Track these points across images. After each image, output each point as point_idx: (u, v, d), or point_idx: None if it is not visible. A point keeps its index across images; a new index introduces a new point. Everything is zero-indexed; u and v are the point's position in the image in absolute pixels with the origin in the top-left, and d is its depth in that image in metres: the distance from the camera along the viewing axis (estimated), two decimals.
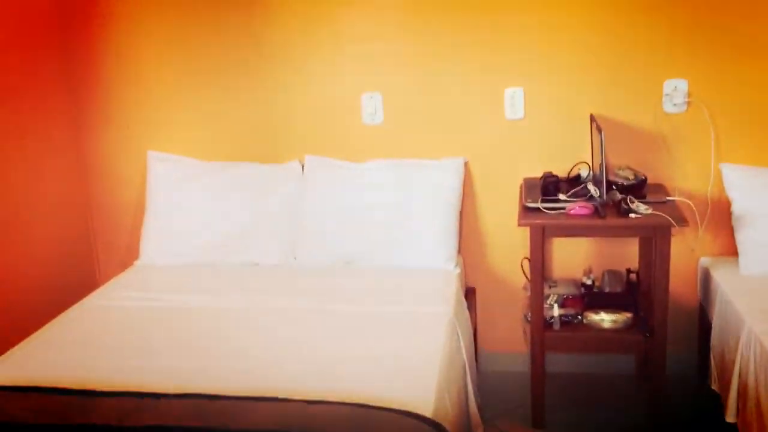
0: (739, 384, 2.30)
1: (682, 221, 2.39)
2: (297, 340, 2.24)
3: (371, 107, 2.96)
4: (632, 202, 2.49)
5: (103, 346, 2.26)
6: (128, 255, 3.08)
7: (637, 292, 2.81)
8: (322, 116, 3.00)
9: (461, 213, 2.94)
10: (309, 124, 3.02)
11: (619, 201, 2.50)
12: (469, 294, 3.02)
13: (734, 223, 2.71)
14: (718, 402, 2.52)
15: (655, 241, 2.46)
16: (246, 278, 2.78)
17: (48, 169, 3.02)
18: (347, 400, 1.81)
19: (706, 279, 2.76)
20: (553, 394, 2.92)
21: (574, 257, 2.97)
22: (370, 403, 1.79)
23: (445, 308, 2.44)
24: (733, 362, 2.33)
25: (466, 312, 2.69)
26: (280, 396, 1.85)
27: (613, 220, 2.44)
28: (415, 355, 2.12)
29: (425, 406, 1.82)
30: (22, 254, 2.85)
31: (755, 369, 2.18)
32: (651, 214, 2.44)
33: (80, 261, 3.22)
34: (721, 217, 2.82)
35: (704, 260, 2.84)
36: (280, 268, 2.86)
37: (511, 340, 3.07)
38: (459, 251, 2.99)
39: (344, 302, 2.51)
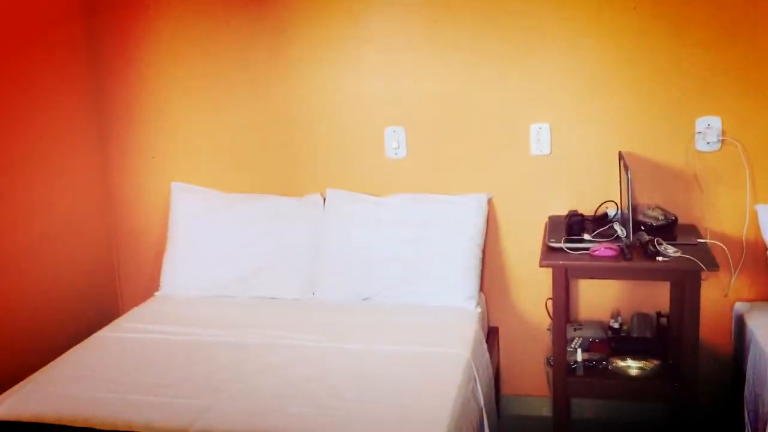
0: None
1: (712, 265, 2.28)
2: (309, 381, 2.18)
3: (394, 141, 2.92)
4: (660, 244, 2.39)
5: (113, 380, 2.24)
6: (150, 286, 3.07)
7: (667, 338, 2.68)
8: (344, 150, 2.97)
9: (484, 251, 2.87)
10: (331, 157, 2.99)
11: (647, 242, 2.40)
12: (492, 334, 2.93)
13: None
14: None
15: (684, 286, 2.35)
16: (264, 313, 2.75)
17: (72, 197, 3.04)
18: None
19: (741, 326, 2.63)
20: None
21: (602, 299, 2.87)
22: None
23: (462, 349, 2.36)
24: (767, 417, 2.19)
25: (486, 354, 2.61)
26: None
27: (639, 263, 2.34)
28: (427, 400, 2.05)
29: None
30: (44, 282, 2.87)
31: None
32: (680, 257, 2.33)
33: (102, 291, 3.23)
34: (757, 261, 2.69)
35: (739, 306, 2.71)
36: (298, 303, 2.82)
37: (534, 384, 2.96)
38: (482, 290, 2.91)
39: (359, 341, 2.45)
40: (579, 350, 2.52)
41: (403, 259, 2.78)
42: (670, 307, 2.78)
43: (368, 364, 2.28)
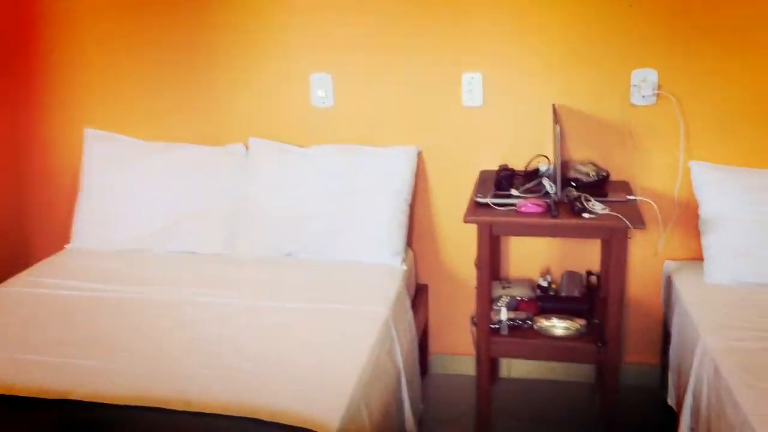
0: (693, 405, 2.12)
1: (639, 223, 2.20)
2: (218, 340, 2.06)
3: (321, 89, 2.77)
4: (588, 201, 2.30)
5: (6, 338, 2.09)
6: (61, 238, 2.90)
7: (595, 297, 2.62)
8: (268, 97, 2.81)
9: (413, 206, 2.76)
10: (255, 105, 2.83)
11: (575, 199, 2.32)
12: (420, 292, 2.85)
13: (701, 226, 2.52)
14: (675, 419, 2.35)
15: (611, 244, 2.27)
16: (180, 269, 2.61)
17: None
18: (244, 412, 1.64)
19: (669, 286, 2.58)
20: (506, 398, 2.76)
21: (534, 256, 2.79)
22: (266, 417, 1.62)
23: (381, 307, 2.26)
24: (687, 380, 2.14)
25: (410, 312, 2.51)
26: (175, 404, 1.69)
27: (565, 220, 2.25)
28: (336, 360, 1.95)
29: (330, 421, 1.65)
30: None
31: (708, 391, 2.00)
32: (607, 214, 2.25)
33: (11, 242, 3.05)
34: (688, 220, 2.63)
35: (668, 265, 2.65)
36: (217, 259, 2.69)
37: (463, 342, 2.89)
38: (410, 246, 2.81)
39: (276, 298, 2.33)
40: (504, 309, 2.44)
41: (328, 213, 2.66)
42: (601, 266, 2.72)
43: (282, 323, 2.17)
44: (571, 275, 2.71)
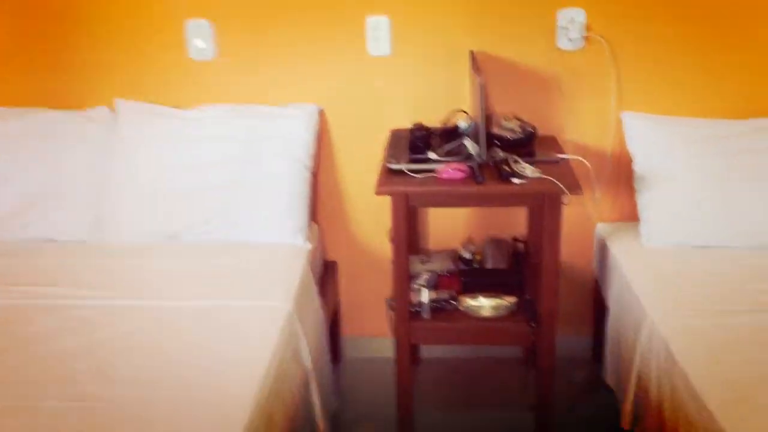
0: (638, 388, 1.89)
1: (575, 188, 1.92)
2: (73, 358, 1.65)
3: (200, 39, 2.34)
4: (516, 163, 2.00)
5: None
6: None
7: (524, 266, 2.35)
8: (137, 49, 2.36)
9: (316, 174, 2.40)
10: (121, 59, 2.37)
11: (501, 161, 2.01)
12: (329, 270, 2.51)
13: (636, 183, 2.27)
14: (613, 397, 2.12)
15: (543, 212, 1.98)
16: (33, 262, 2.16)
17: None
18: None
19: (603, 251, 2.33)
20: (429, 381, 2.48)
21: (454, 223, 2.49)
22: None
23: (283, 301, 1.91)
24: (631, 360, 1.91)
25: (317, 299, 2.17)
26: None
27: (492, 187, 1.94)
28: (231, 380, 1.58)
29: None
30: None
31: (659, 375, 1.76)
32: (539, 178, 1.95)
33: None
34: (621, 176, 2.39)
35: (601, 228, 2.41)
36: (82, 248, 2.25)
37: (379, 323, 2.57)
38: (315, 220, 2.46)
39: (153, 296, 1.94)
40: (425, 291, 2.13)
41: (216, 186, 2.26)
42: (528, 231, 2.45)
43: (158, 330, 1.77)
44: (495, 243, 2.43)
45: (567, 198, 1.93)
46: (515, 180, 1.94)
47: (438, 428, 2.28)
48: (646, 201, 2.23)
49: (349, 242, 2.53)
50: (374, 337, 2.60)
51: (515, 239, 2.45)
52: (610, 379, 2.17)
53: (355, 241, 2.52)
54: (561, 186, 1.90)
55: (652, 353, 1.79)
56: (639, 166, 2.26)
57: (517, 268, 2.32)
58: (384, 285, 2.52)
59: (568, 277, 2.48)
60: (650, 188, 2.22)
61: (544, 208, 1.97)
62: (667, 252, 2.15)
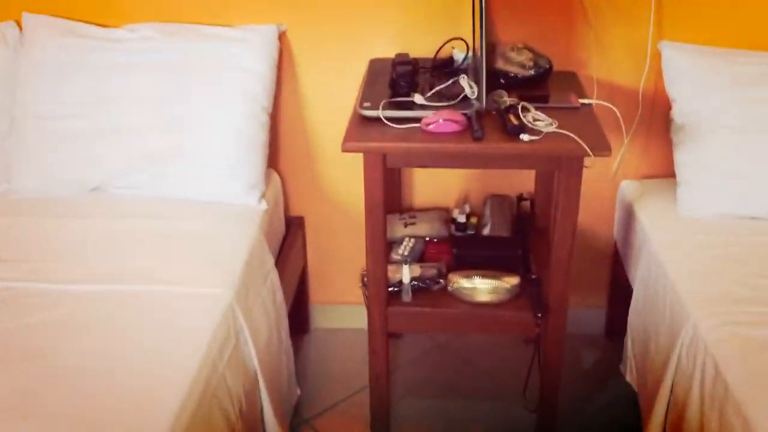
0: (672, 403, 1.49)
1: (602, 148, 1.47)
2: None
3: None
4: (526, 112, 1.54)
5: None
6: None
7: (529, 232, 1.93)
8: None
9: (276, 115, 1.94)
10: None
11: (506, 110, 1.55)
12: (294, 228, 2.08)
13: (674, 134, 1.82)
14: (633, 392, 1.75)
15: (558, 177, 1.54)
16: None
17: None
18: None
19: (628, 216, 1.90)
20: (409, 361, 2.11)
21: (447, 176, 2.05)
22: None
23: (222, 288, 1.49)
24: (664, 367, 1.51)
25: (273, 274, 1.75)
26: None
27: (494, 145, 1.48)
28: (147, 400, 1.18)
29: None
30: None
31: (701, 396, 1.36)
32: (554, 133, 1.50)
33: None
34: (654, 122, 1.93)
35: (627, 187, 1.96)
36: None
37: (353, 287, 2.17)
38: (276, 168, 2.02)
39: (61, 274, 1.52)
40: (406, 268, 1.71)
41: (146, 127, 1.80)
42: (536, 188, 2.01)
43: (65, 325, 1.36)
44: (497, 203, 1.99)
45: (591, 161, 1.49)
46: (524, 136, 1.49)
47: (418, 419, 1.91)
48: (686, 158, 1.78)
49: (319, 194, 2.09)
50: (348, 305, 2.20)
51: (521, 197, 2.01)
52: (631, 377, 1.78)
53: (326, 193, 2.09)
54: (584, 146, 1.45)
55: (694, 368, 1.39)
56: (679, 112, 1.80)
57: (522, 236, 1.89)
58: (357, 245, 2.10)
59: (582, 241, 2.06)
60: (693, 141, 1.76)
61: (561, 172, 1.52)
62: (710, 224, 1.72)
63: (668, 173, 1.92)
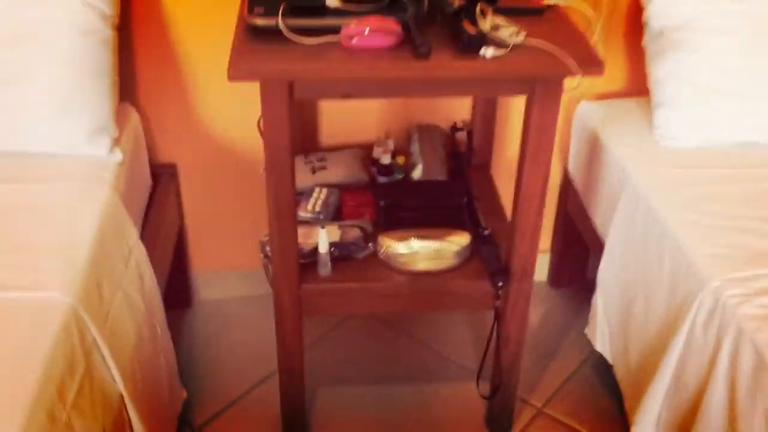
0: (675, 392, 1.17)
1: (593, 63, 1.07)
2: None
3: None
4: (483, 16, 1.11)
5: None
6: None
7: (469, 172, 1.53)
8: None
9: (126, 27, 1.41)
10: None
11: (457, 13, 1.11)
12: (164, 179, 1.58)
13: (648, 43, 1.45)
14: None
15: (530, 105, 1.13)
16: None
17: None
18: None
19: (590, 147, 1.53)
20: (332, 335, 1.69)
21: (362, 104, 1.60)
22: None
23: (58, 289, 1.01)
24: (663, 344, 1.18)
25: (137, 254, 1.27)
26: None
27: (446, 65, 1.05)
28: None
29: None
30: None
31: (731, 386, 1.04)
32: (524, 47, 1.08)
33: None
34: (616, 28, 1.55)
35: (585, 108, 1.59)
36: None
37: (245, 249, 1.72)
38: (134, 103, 1.50)
39: None
40: (323, 233, 1.27)
41: None
42: (473, 117, 1.60)
43: None
44: (426, 134, 1.58)
45: (576, 81, 1.08)
46: (487, 51, 1.06)
47: (343, 413, 1.52)
48: (664, 72, 1.41)
49: (196, 135, 1.59)
50: (238, 270, 1.75)
51: (455, 127, 1.60)
52: (602, 346, 1.45)
53: (205, 131, 1.59)
54: (572, 62, 1.04)
55: (719, 351, 1.06)
56: (656, 14, 1.42)
57: (463, 178, 1.50)
58: (252, 196, 1.64)
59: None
60: (675, 50, 1.40)
61: (533, 99, 1.11)
62: (703, 156, 1.38)
63: (631, 91, 1.58)
